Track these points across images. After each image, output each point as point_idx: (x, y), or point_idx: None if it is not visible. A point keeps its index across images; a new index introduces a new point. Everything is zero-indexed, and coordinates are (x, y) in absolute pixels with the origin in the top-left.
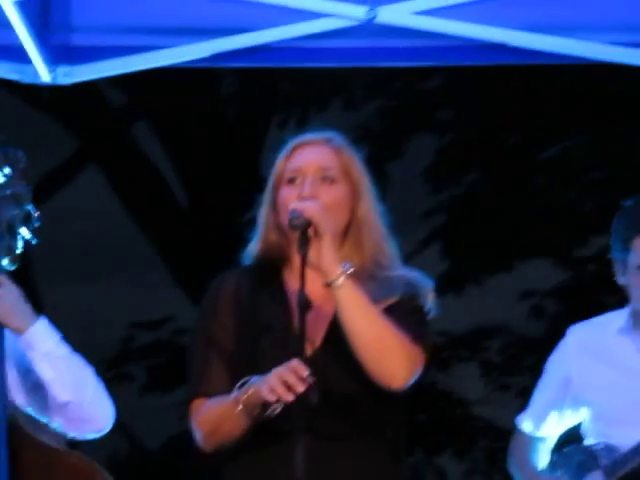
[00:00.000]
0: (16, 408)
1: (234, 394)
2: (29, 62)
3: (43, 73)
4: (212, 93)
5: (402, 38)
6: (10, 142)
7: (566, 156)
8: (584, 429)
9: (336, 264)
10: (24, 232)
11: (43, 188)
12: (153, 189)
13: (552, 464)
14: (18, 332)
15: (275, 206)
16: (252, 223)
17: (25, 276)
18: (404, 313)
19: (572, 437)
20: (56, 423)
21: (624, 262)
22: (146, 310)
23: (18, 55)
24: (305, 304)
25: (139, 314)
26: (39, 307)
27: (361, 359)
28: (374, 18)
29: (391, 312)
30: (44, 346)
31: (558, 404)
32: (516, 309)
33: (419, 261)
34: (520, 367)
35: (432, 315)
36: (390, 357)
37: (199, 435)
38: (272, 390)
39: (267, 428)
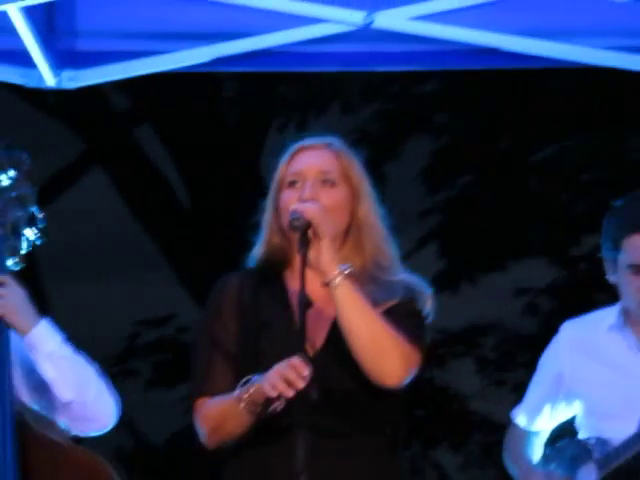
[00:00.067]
0: (23, 406)
1: (236, 392)
2: (34, 67)
3: (48, 77)
4: (213, 97)
5: (399, 43)
6: (15, 145)
7: (558, 158)
8: (578, 423)
9: (334, 264)
10: (29, 233)
11: (49, 190)
12: (156, 190)
13: (546, 457)
14: (22, 332)
15: (277, 209)
16: (256, 227)
17: (32, 276)
18: (402, 315)
19: (565, 431)
20: (61, 421)
21: (614, 261)
22: (151, 308)
23: (23, 60)
24: (305, 302)
25: (144, 312)
26: (46, 306)
27: (358, 357)
28: (371, 23)
29: (390, 314)
30: (47, 347)
31: (551, 399)
32: (510, 307)
33: (416, 260)
34: (514, 363)
35: (430, 319)
36: (386, 356)
37: (203, 433)
38: (273, 386)
39: (268, 424)
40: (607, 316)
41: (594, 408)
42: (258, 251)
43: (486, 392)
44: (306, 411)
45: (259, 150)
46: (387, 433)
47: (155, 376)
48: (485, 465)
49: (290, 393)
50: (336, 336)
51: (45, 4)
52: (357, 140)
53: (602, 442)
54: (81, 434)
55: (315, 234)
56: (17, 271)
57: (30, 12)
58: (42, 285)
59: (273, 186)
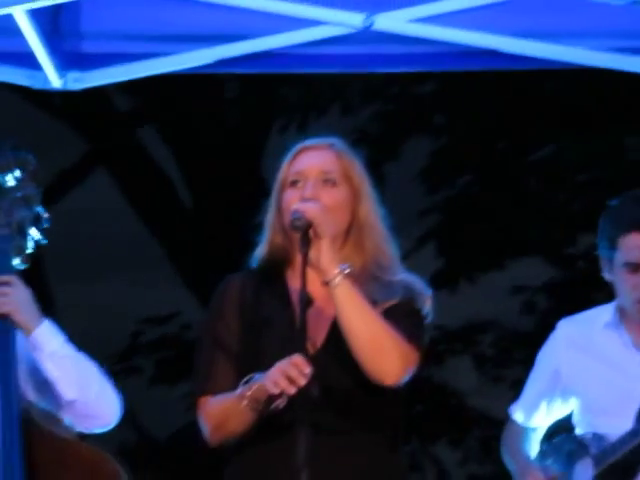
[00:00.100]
0: (29, 403)
1: (239, 390)
2: (40, 68)
3: (53, 79)
4: (215, 98)
5: (398, 45)
6: (21, 145)
7: (555, 158)
8: (574, 420)
9: (334, 264)
10: (34, 233)
11: (54, 189)
12: (159, 190)
13: (543, 453)
14: (25, 332)
15: (279, 209)
16: (259, 227)
17: (37, 275)
18: (402, 315)
19: (562, 427)
20: (65, 418)
21: (610, 259)
22: (154, 306)
23: (29, 62)
24: (306, 300)
25: (147, 310)
26: (51, 304)
27: (357, 356)
28: (371, 26)
29: (389, 314)
30: (50, 346)
31: (548, 395)
32: (508, 304)
33: (415, 259)
34: (512, 360)
35: (429, 319)
36: (384, 355)
37: (206, 430)
38: (275, 383)
39: (270, 422)
40: (603, 314)
41: (590, 404)
42: (261, 250)
43: (484, 388)
44: (307, 408)
45: (260, 150)
46: (387, 430)
47: (158, 373)
48: (483, 460)
49: (292, 390)
50: (336, 335)
51: (50, 7)
52: (357, 140)
53: (598, 438)
54: (85, 430)
55: (315, 234)
56: (22, 270)
57: (36, 15)
58: (47, 284)
59: (276, 186)
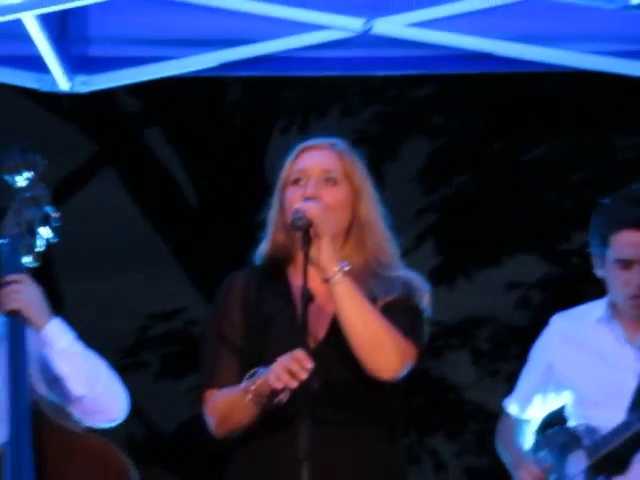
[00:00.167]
0: (40, 396)
1: (243, 384)
2: (48, 72)
3: (62, 82)
4: (219, 100)
5: (397, 48)
6: (30, 147)
7: (549, 158)
8: (567, 412)
9: (334, 262)
10: (43, 232)
11: (63, 190)
12: (164, 189)
13: (536, 445)
14: (36, 329)
15: (282, 206)
16: (262, 225)
17: (48, 273)
18: (400, 310)
19: (555, 420)
20: (74, 413)
21: (602, 256)
22: (160, 303)
23: (38, 65)
24: (307, 296)
25: (154, 306)
26: (61, 301)
27: (355, 351)
28: (370, 30)
29: (388, 309)
30: (60, 343)
31: (542, 388)
32: (503, 300)
33: (414, 256)
34: (507, 354)
35: (427, 314)
36: (382, 351)
37: (211, 423)
38: (278, 378)
39: (273, 415)
40: (595, 309)
41: (583, 397)
42: (263, 248)
43: (481, 382)
44: (308, 402)
45: (262, 151)
46: (386, 423)
47: (164, 367)
48: (480, 452)
49: (294, 384)
50: (336, 330)
51: (59, 12)
52: (356, 141)
53: (591, 430)
54: (92, 425)
55: (316, 233)
56: (33, 268)
57: (44, 19)
58: (57, 281)
59: (278, 184)
